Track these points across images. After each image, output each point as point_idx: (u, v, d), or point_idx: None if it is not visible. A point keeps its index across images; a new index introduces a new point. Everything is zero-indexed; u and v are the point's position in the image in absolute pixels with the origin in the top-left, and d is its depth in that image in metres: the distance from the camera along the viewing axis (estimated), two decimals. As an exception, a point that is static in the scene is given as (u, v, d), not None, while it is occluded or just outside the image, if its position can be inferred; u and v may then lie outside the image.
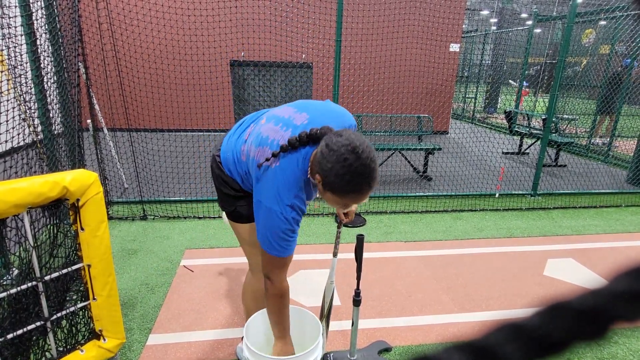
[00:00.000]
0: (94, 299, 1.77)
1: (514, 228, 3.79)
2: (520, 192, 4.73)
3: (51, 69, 2.91)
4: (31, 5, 2.62)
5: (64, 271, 1.71)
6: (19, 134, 2.48)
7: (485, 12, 21.34)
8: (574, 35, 8.08)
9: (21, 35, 2.57)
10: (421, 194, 4.59)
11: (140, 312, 2.38)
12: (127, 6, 5.12)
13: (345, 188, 1.17)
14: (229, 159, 1.51)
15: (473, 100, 11.09)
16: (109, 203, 3.78)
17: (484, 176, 5.40)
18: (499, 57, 10.55)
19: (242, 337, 1.59)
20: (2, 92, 2.36)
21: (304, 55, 7.42)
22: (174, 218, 3.72)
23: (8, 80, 2.46)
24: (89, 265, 1.73)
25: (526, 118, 7.11)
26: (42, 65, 2.75)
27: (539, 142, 6.24)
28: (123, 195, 4.24)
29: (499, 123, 9.69)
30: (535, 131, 6.59)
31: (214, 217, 3.75)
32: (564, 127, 8.51)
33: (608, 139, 6.89)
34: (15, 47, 2.48)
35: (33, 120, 2.65)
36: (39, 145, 2.72)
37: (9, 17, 2.36)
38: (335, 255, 1.83)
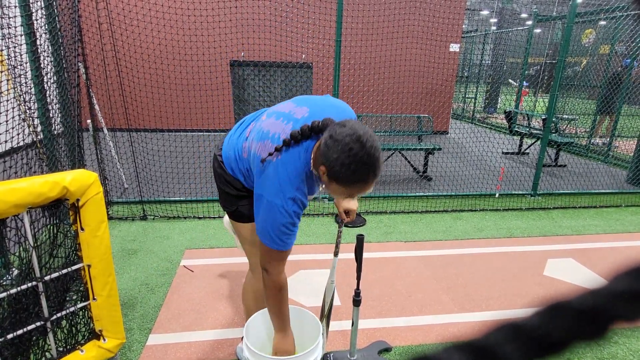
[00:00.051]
0: (94, 299, 1.77)
1: (514, 228, 3.79)
2: (520, 192, 4.73)
3: (51, 69, 2.91)
4: (31, 5, 2.62)
5: (64, 271, 1.71)
6: (18, 134, 2.48)
7: (485, 12, 21.34)
8: (573, 35, 8.07)
9: (21, 35, 2.57)
10: (421, 194, 4.59)
11: (140, 312, 2.38)
12: (127, 6, 5.12)
13: (351, 178, 1.17)
14: (231, 157, 1.51)
15: (473, 100, 11.09)
16: (109, 203, 3.79)
17: (484, 176, 5.40)
18: (499, 57, 10.56)
19: (242, 337, 1.59)
20: (2, 92, 2.36)
21: (304, 56, 7.42)
22: (174, 218, 3.72)
23: (8, 80, 2.46)
24: (89, 266, 1.73)
25: (526, 118, 7.11)
26: (42, 65, 2.75)
27: (538, 142, 6.24)
28: (123, 195, 4.24)
29: (499, 123, 9.69)
30: (535, 131, 6.59)
31: (214, 217, 3.75)
32: (564, 127, 8.50)
33: (608, 139, 6.89)
34: (15, 47, 2.48)
35: (33, 120, 2.65)
36: (38, 145, 2.71)
37: (9, 17, 2.36)
38: (336, 254, 1.83)
